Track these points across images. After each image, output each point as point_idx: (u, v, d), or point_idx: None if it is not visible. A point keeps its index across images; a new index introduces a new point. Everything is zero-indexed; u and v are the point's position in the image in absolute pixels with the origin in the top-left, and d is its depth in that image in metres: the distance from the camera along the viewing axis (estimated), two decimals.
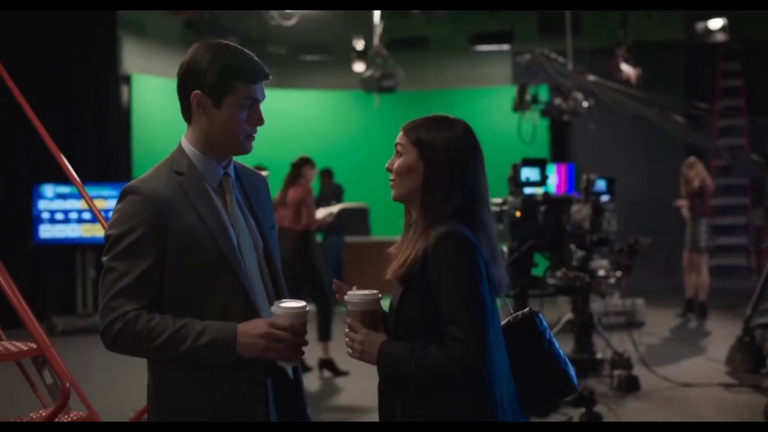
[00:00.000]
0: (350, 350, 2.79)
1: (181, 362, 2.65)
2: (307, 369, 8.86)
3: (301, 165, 8.98)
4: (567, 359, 3.00)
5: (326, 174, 13.22)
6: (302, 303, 2.71)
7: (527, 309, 3.00)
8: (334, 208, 9.86)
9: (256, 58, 2.80)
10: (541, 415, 6.51)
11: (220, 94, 2.72)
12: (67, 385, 3.43)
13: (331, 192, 12.95)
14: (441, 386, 2.67)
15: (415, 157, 2.78)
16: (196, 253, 2.68)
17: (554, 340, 2.99)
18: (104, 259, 2.68)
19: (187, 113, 2.79)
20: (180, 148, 2.81)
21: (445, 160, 2.76)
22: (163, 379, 2.74)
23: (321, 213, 9.43)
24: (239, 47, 2.80)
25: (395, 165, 2.82)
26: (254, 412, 2.73)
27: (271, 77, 2.81)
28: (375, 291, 2.81)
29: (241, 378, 2.70)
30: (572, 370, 3.00)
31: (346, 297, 2.79)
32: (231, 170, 2.87)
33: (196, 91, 2.72)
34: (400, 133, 2.84)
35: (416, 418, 2.72)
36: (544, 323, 2.99)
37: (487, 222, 2.81)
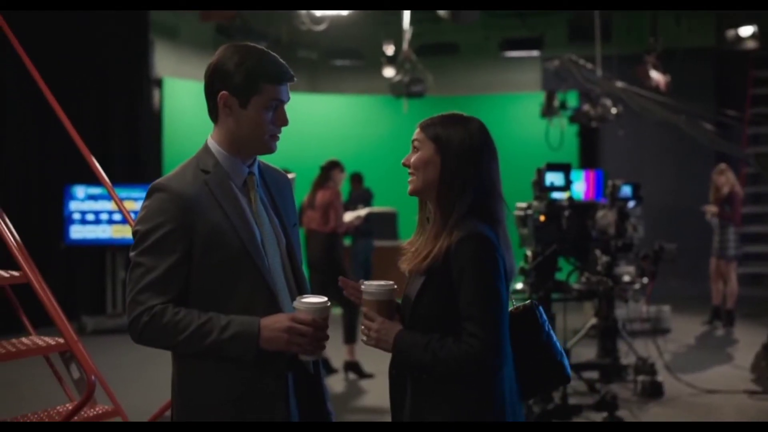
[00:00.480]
0: (365, 338, 2.88)
1: (205, 356, 2.71)
2: (332, 371, 8.94)
3: (331, 168, 9.08)
4: (563, 351, 3.11)
5: (356, 178, 13.26)
6: (323, 298, 2.78)
7: (528, 301, 3.10)
8: (362, 212, 9.91)
9: (281, 60, 2.87)
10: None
11: (247, 95, 2.79)
12: (93, 377, 3.50)
13: (360, 196, 12.99)
14: (454, 377, 2.77)
15: (433, 152, 2.88)
16: (221, 250, 2.75)
17: (552, 332, 3.10)
18: (132, 254, 2.75)
19: (213, 113, 2.88)
20: (206, 147, 2.90)
21: (461, 155, 2.85)
22: (186, 373, 2.81)
23: (349, 216, 9.49)
24: (265, 49, 2.88)
25: (412, 159, 2.91)
26: (275, 405, 2.80)
27: (296, 79, 2.89)
28: (391, 282, 2.90)
29: (262, 372, 2.76)
30: (567, 361, 3.11)
31: (362, 287, 2.89)
32: (255, 169, 2.95)
33: (223, 92, 2.80)
34: (417, 130, 2.93)
35: (426, 404, 2.82)
36: (544, 316, 3.08)
37: (501, 217, 2.90)
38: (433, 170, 2.87)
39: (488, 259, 2.76)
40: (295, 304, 2.76)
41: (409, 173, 2.93)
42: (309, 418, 2.95)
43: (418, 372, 2.82)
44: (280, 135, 2.90)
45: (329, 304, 2.78)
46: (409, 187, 2.94)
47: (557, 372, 3.07)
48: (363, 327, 2.88)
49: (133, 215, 11.44)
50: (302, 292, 2.97)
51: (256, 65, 2.81)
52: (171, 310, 2.69)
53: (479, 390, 2.79)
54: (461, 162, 2.84)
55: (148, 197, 2.80)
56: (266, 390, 2.78)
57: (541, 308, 3.09)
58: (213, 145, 2.89)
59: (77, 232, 11.43)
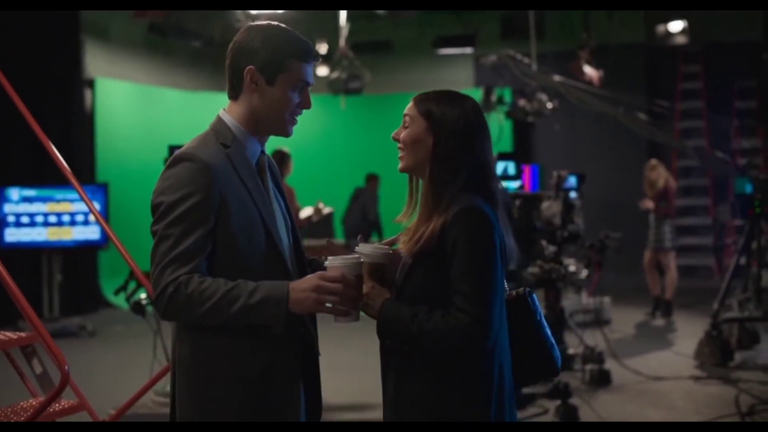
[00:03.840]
0: None
1: (232, 325, 2.64)
2: None
3: (283, 159, 8.50)
4: (554, 342, 3.07)
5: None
6: (356, 255, 2.75)
7: (522, 288, 3.06)
8: (325, 210, 9.60)
9: (305, 38, 2.86)
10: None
11: (274, 72, 2.78)
12: (66, 367, 3.42)
13: None
14: (439, 352, 2.72)
15: (423, 129, 2.83)
16: (245, 226, 2.72)
17: (544, 321, 3.06)
18: (157, 227, 2.67)
19: (236, 89, 2.84)
20: (221, 122, 2.85)
21: (454, 134, 2.80)
22: (203, 350, 2.74)
23: (305, 213, 9.29)
24: (289, 28, 2.87)
25: (402, 135, 2.87)
26: (291, 384, 2.78)
27: (320, 58, 2.87)
28: (386, 246, 2.87)
29: (280, 352, 2.74)
30: (558, 353, 3.06)
31: (357, 248, 2.84)
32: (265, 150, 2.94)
33: (250, 67, 2.78)
34: (410, 104, 2.88)
35: (412, 379, 2.78)
36: (537, 304, 3.05)
37: (498, 196, 2.85)
38: (424, 148, 2.83)
39: (483, 233, 2.70)
40: (326, 262, 2.71)
41: (399, 149, 2.89)
42: (311, 396, 2.93)
43: (400, 343, 2.77)
44: (297, 120, 2.89)
45: (361, 260, 2.73)
46: (400, 164, 2.89)
47: (546, 363, 3.02)
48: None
49: (69, 217, 11.15)
50: (303, 270, 2.93)
51: (283, 41, 2.80)
52: (197, 279, 2.60)
53: (466, 363, 2.73)
54: (455, 142, 2.79)
55: (171, 167, 2.71)
56: (284, 370, 2.76)
57: (534, 296, 3.06)
58: (229, 120, 2.85)
59: (12, 235, 11.18)
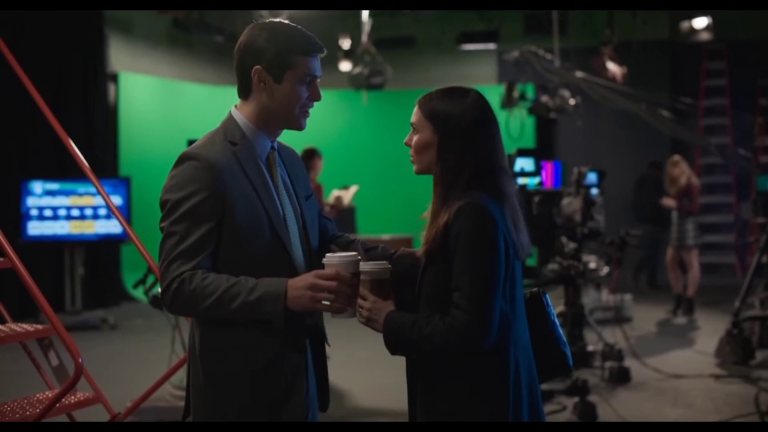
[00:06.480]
0: (358, 316, 2.82)
1: (234, 320, 2.70)
2: None
3: (310, 156, 8.70)
4: (566, 341, 3.08)
5: None
6: (353, 253, 2.77)
7: (535, 288, 3.06)
8: (352, 189, 9.39)
9: (309, 32, 2.88)
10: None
11: (281, 70, 2.81)
12: (80, 359, 3.43)
13: None
14: (443, 354, 2.70)
15: (430, 132, 2.80)
16: (250, 222, 2.76)
17: (557, 320, 3.06)
18: (164, 223, 2.76)
19: (245, 89, 2.90)
20: (232, 119, 2.91)
21: (457, 131, 2.77)
22: (211, 339, 2.81)
23: (348, 195, 9.18)
24: (292, 24, 2.89)
25: (413, 141, 2.85)
26: (297, 377, 2.82)
27: (326, 51, 2.89)
28: (385, 261, 2.85)
29: (286, 344, 2.79)
30: (569, 352, 3.07)
31: (360, 265, 2.80)
32: (276, 145, 2.97)
33: (257, 67, 2.82)
34: (415, 108, 2.86)
35: (430, 383, 2.78)
36: (550, 304, 3.05)
37: (508, 190, 2.81)
38: (433, 151, 2.80)
39: (483, 229, 2.65)
40: (324, 260, 2.74)
41: (411, 154, 2.87)
42: (321, 388, 3.01)
43: (407, 352, 2.79)
44: (309, 112, 2.92)
45: (359, 258, 2.75)
46: (414, 168, 2.88)
47: (559, 361, 3.03)
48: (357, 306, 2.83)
49: (91, 210, 11.21)
50: (315, 266, 2.92)
51: (287, 39, 2.83)
52: (200, 275, 2.67)
53: (478, 368, 2.71)
54: (458, 139, 2.76)
55: (177, 165, 2.78)
56: (289, 363, 2.80)
57: (547, 296, 3.06)
58: (239, 117, 2.90)
59: (35, 228, 11.24)
